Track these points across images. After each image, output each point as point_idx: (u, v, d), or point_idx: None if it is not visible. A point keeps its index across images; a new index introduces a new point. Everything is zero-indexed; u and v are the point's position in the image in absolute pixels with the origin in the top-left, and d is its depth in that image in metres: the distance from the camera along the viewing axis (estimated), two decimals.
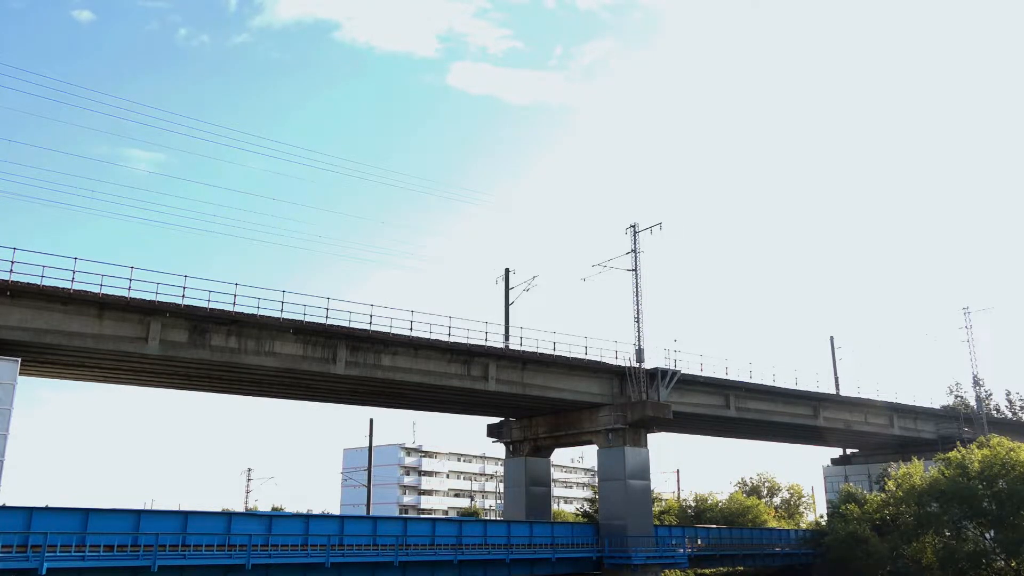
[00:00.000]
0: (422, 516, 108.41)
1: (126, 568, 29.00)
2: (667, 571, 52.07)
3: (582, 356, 46.84)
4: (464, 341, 42.24)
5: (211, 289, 34.92)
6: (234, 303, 35.43)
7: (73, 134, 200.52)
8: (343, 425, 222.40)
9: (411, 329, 40.49)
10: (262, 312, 36.16)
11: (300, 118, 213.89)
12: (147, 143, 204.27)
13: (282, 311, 36.64)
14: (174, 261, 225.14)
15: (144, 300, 33.49)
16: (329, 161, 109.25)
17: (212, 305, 34.96)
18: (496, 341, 44.86)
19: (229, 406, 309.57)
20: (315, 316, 37.59)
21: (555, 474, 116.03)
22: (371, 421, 61.64)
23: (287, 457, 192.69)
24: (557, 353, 46.07)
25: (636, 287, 50.14)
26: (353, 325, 38.76)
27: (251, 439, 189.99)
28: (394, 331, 39.89)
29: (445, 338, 41.63)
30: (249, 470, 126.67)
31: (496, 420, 55.59)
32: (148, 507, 49.69)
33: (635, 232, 51.33)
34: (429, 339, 41.05)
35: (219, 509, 69.56)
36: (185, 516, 31.88)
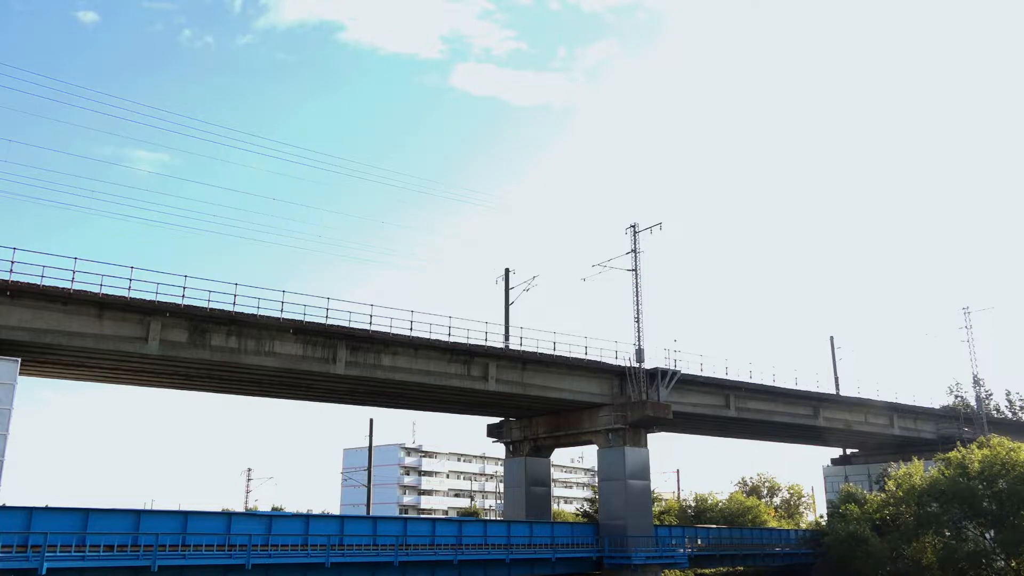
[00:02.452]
0: (422, 516, 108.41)
1: (126, 568, 29.02)
2: (667, 571, 52.05)
3: (582, 356, 46.83)
4: (464, 341, 42.23)
5: (211, 289, 34.98)
6: (234, 303, 35.48)
7: (77, 135, 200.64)
8: (343, 425, 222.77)
9: (411, 329, 40.51)
10: (262, 312, 36.17)
11: (302, 119, 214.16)
12: (150, 144, 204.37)
13: (282, 311, 36.65)
14: (174, 261, 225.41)
15: (144, 300, 33.49)
16: (330, 161, 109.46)
17: (212, 305, 34.95)
18: (496, 341, 44.87)
19: (229, 406, 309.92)
20: (315, 316, 37.63)
21: (555, 474, 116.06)
22: (371, 421, 61.72)
23: (287, 457, 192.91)
24: (557, 353, 46.06)
25: (636, 287, 50.15)
26: (353, 325, 38.76)
27: (251, 439, 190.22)
28: (394, 331, 39.89)
29: (445, 338, 41.63)
30: (249, 470, 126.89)
31: (496, 420, 55.59)
32: (148, 507, 49.70)
33: (635, 232, 51.32)
34: (429, 339, 41.04)
35: (219, 509, 69.57)
36: (185, 516, 31.87)
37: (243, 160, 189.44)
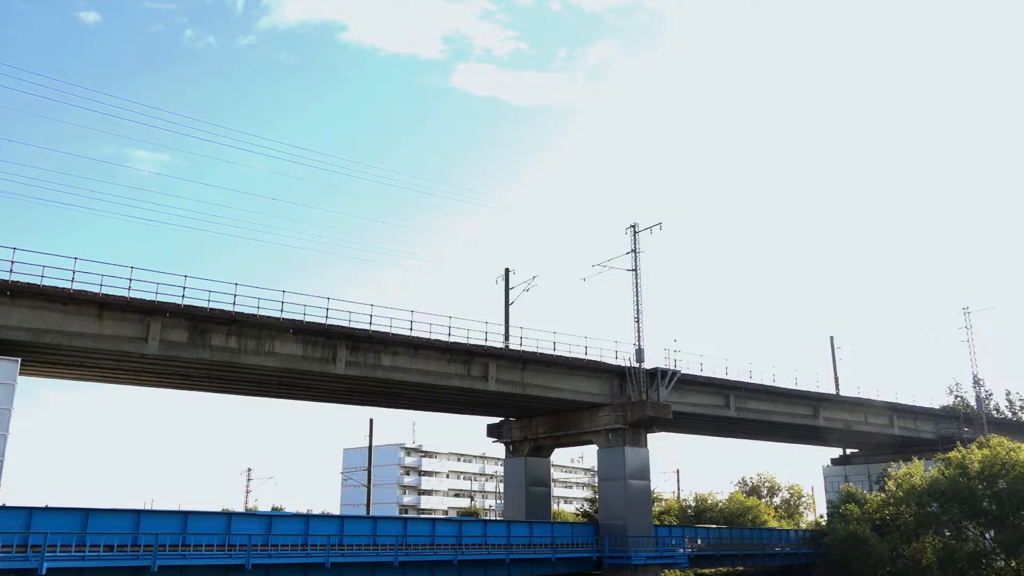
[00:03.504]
0: (422, 516, 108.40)
1: (126, 568, 29.02)
2: (667, 571, 52.04)
3: (582, 356, 46.83)
4: (464, 341, 42.22)
5: (211, 289, 34.99)
6: (234, 303, 35.48)
7: (77, 135, 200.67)
8: (343, 425, 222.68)
9: (411, 329, 40.51)
10: (262, 312, 36.17)
11: (303, 119, 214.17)
12: (150, 144, 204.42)
13: (282, 311, 36.65)
14: (174, 261, 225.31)
15: (144, 300, 33.49)
16: (329, 161, 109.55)
17: (212, 305, 34.96)
18: (496, 341, 44.87)
19: (229, 406, 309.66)
20: (315, 316, 37.62)
21: (555, 474, 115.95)
22: (371, 421, 61.67)
23: (287, 457, 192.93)
24: (557, 353, 46.05)
25: (636, 287, 50.15)
26: (353, 325, 38.76)
27: (251, 439, 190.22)
28: (394, 331, 39.89)
29: (445, 338, 41.63)
30: (249, 470, 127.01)
31: (496, 420, 55.57)
32: (148, 507, 49.70)
33: (635, 232, 51.32)
34: (429, 339, 41.04)
35: (219, 509, 69.60)
36: (185, 516, 31.88)
37: (243, 160, 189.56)
